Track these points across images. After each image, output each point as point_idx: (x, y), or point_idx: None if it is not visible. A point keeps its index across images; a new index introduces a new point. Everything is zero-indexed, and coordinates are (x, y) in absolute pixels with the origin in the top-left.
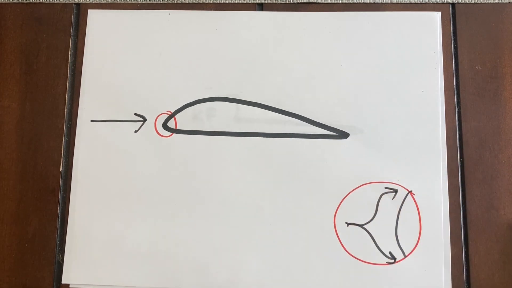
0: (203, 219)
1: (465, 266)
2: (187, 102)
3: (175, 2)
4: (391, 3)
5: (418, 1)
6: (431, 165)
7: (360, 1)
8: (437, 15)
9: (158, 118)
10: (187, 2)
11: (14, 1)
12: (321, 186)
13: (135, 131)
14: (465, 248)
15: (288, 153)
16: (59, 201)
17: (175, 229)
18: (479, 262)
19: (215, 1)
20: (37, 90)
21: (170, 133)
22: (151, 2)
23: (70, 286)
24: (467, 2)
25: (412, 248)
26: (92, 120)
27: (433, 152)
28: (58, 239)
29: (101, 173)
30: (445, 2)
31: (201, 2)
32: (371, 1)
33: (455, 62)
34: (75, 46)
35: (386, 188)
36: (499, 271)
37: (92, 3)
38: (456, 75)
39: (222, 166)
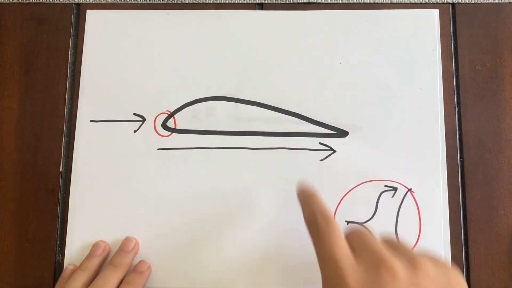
0: (203, 218)
1: (465, 266)
2: (186, 102)
3: (175, 2)
4: (391, 3)
5: (418, 1)
6: (430, 163)
7: (360, 1)
8: (435, 12)
9: (158, 117)
10: (186, 2)
11: (14, 1)
12: (321, 184)
13: (135, 131)
14: (465, 248)
15: (288, 152)
16: (59, 201)
17: (175, 228)
18: (479, 262)
19: (215, 1)
20: (37, 90)
21: (170, 133)
22: (150, 2)
23: None
24: (467, 2)
25: (412, 246)
26: (91, 121)
27: (432, 149)
28: (58, 239)
29: (101, 173)
30: (445, 2)
31: (200, 2)
32: (371, 1)
33: (455, 62)
34: (75, 46)
35: (385, 186)
36: (499, 271)
37: (92, 3)
38: (456, 75)
39: (221, 165)
